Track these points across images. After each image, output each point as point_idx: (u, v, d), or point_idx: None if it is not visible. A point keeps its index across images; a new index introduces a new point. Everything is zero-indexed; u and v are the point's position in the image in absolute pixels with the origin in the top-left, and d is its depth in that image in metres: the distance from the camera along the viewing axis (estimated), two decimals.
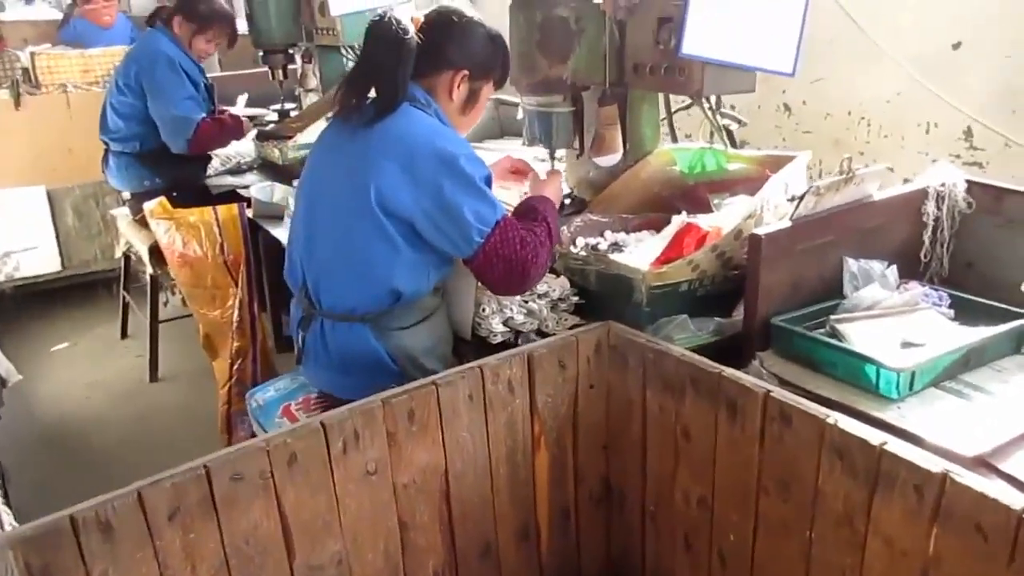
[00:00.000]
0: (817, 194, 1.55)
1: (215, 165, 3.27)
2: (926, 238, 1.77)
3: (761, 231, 1.52)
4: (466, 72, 1.69)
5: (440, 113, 1.68)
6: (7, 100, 3.96)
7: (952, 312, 1.61)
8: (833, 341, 1.49)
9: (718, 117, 1.88)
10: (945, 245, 1.77)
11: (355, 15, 2.97)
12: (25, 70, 4.13)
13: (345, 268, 1.66)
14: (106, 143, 3.27)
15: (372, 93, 1.65)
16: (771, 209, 1.66)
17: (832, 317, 1.56)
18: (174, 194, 2.95)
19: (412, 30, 1.61)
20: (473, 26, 1.69)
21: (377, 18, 1.63)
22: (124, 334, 3.79)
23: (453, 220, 1.56)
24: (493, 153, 2.50)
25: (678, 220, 1.68)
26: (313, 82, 3.57)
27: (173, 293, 3.42)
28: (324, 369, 1.73)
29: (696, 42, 1.68)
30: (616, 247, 1.85)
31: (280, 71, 3.49)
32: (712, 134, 2.00)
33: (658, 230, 1.93)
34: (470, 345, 1.74)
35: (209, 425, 2.85)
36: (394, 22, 1.60)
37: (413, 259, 1.63)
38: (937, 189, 1.74)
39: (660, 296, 1.61)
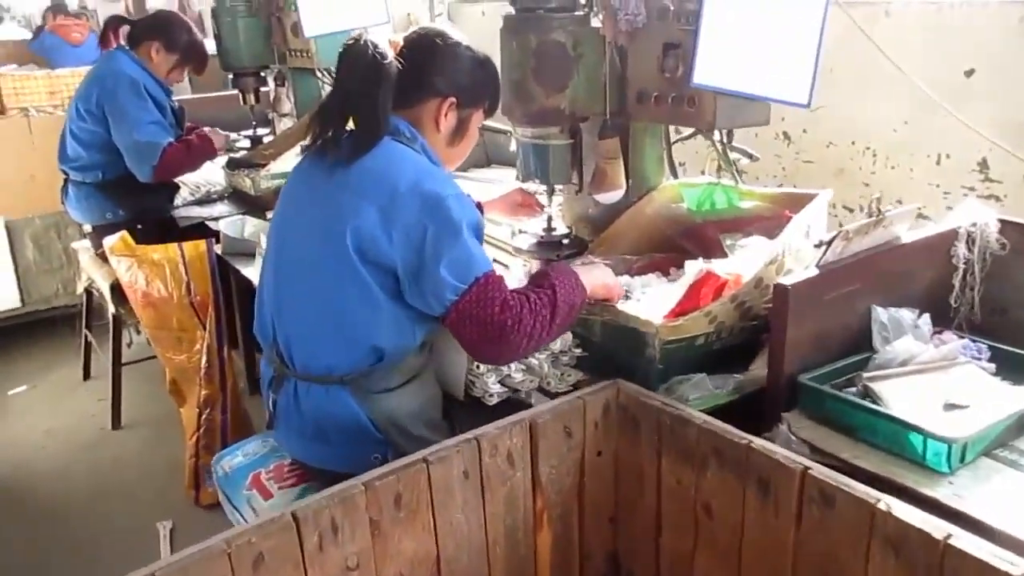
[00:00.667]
0: (846, 239, 1.41)
1: (183, 195, 3.08)
2: (956, 282, 1.63)
3: (787, 281, 1.37)
4: (453, 100, 1.52)
5: (427, 148, 1.51)
6: None
7: (993, 367, 1.47)
8: (869, 404, 1.34)
9: (728, 151, 1.73)
10: (976, 289, 1.63)
11: (330, 36, 2.82)
12: None
13: (320, 323, 1.48)
14: (65, 172, 3.05)
15: (350, 125, 1.49)
16: (793, 254, 1.51)
17: (864, 375, 1.41)
18: (138, 227, 2.77)
19: (391, 54, 1.44)
20: (459, 49, 1.53)
21: (351, 41, 1.45)
22: (87, 375, 3.56)
23: (428, 274, 1.38)
24: (482, 185, 2.34)
25: (695, 268, 1.52)
26: (287, 106, 3.42)
27: (138, 332, 3.20)
28: (298, 436, 1.55)
29: (708, 71, 1.53)
30: None
31: (251, 95, 3.35)
32: (719, 168, 1.85)
33: (664, 272, 1.78)
34: (463, 407, 1.57)
35: (174, 479, 2.65)
36: (370, 45, 1.42)
37: (396, 313, 1.45)
38: (968, 230, 1.60)
39: (674, 351, 1.45)
